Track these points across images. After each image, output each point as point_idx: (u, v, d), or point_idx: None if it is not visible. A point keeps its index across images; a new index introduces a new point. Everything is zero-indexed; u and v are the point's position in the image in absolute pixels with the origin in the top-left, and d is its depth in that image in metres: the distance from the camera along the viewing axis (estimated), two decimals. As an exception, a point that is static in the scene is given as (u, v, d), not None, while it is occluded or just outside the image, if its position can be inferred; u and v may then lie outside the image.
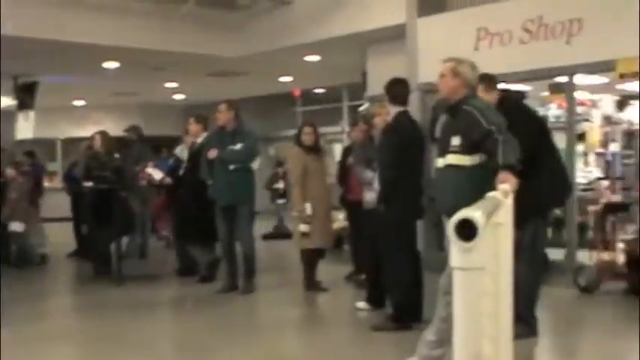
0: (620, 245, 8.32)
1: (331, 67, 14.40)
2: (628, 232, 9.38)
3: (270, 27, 12.39)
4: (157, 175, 9.98)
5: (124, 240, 10.26)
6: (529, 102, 11.34)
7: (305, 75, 15.82)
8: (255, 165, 8.50)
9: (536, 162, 5.49)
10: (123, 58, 13.02)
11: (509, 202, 3.83)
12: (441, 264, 4.64)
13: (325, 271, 8.82)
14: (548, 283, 7.87)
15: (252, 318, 7.50)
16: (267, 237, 13.95)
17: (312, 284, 8.39)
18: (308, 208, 8.12)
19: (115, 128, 12.74)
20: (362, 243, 7.93)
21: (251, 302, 8.10)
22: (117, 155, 9.98)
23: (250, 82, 16.33)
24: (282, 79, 16.52)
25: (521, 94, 6.41)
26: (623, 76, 8.75)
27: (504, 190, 3.96)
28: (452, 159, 4.82)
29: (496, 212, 2.99)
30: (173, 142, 10.89)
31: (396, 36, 10.68)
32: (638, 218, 9.95)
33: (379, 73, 10.38)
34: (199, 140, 9.03)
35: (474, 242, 2.12)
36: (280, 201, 14.54)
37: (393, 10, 10.68)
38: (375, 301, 7.13)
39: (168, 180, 9.74)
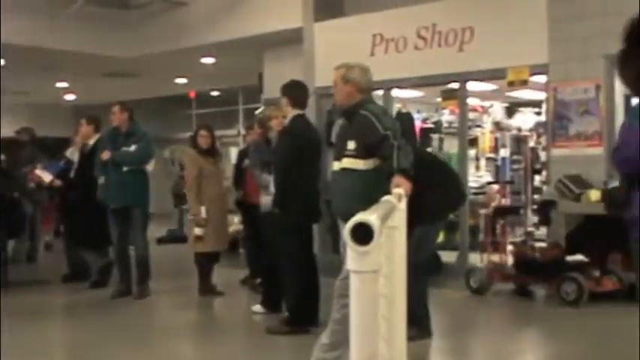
0: (510, 247, 8.57)
1: (227, 70, 14.34)
2: (517, 235, 9.70)
3: (166, 28, 12.23)
4: (47, 177, 9.69)
5: (11, 243, 9.91)
6: (423, 108, 11.62)
7: (200, 77, 15.69)
8: (150, 167, 8.37)
9: (428, 172, 5.58)
10: (9, 55, 12.56)
11: (403, 206, 3.88)
12: (337, 267, 4.66)
13: (220, 274, 8.74)
14: (441, 285, 8.07)
15: (146, 324, 7.35)
16: (161, 241, 13.73)
17: (207, 288, 8.31)
18: (203, 211, 8.05)
19: (2, 129, 12.29)
20: (257, 246, 7.91)
21: (145, 308, 7.95)
22: (2, 157, 9.63)
23: (145, 83, 16.09)
24: (178, 80, 16.34)
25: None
26: (512, 84, 9.04)
27: (399, 194, 4.01)
28: (347, 163, 4.86)
29: (391, 216, 3.02)
30: (63, 143, 10.60)
31: (292, 40, 10.72)
32: (527, 221, 10.30)
33: (275, 77, 10.41)
34: (91, 142, 8.83)
35: (370, 246, 2.13)
36: (186, 205, 14.31)
37: (290, 14, 10.72)
38: (271, 304, 7.11)
39: (58, 182, 9.46)
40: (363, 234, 2.15)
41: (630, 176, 3.93)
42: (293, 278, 6.38)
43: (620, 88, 8.16)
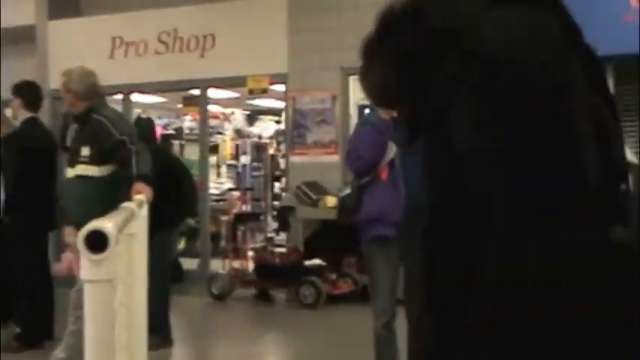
0: (250, 253, 8.70)
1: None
2: (257, 241, 9.88)
3: None
4: None
5: None
6: (164, 113, 11.50)
7: None
8: None
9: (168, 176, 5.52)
10: None
11: (144, 212, 3.79)
12: (73, 277, 4.47)
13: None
14: (182, 292, 8.01)
15: None
16: None
17: None
18: None
19: None
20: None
21: None
22: None
23: None
24: None
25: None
26: (252, 92, 9.20)
27: (139, 200, 3.91)
28: (81, 169, 4.67)
29: (130, 223, 2.93)
30: None
31: (25, 37, 10.15)
32: (267, 227, 10.52)
33: (6, 76, 9.80)
34: None
35: (105, 254, 2.04)
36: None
37: (22, 9, 10.12)
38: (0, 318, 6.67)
39: None
40: (99, 242, 2.05)
41: (361, 176, 4.23)
42: (25, 290, 6.03)
43: (354, 98, 8.59)
